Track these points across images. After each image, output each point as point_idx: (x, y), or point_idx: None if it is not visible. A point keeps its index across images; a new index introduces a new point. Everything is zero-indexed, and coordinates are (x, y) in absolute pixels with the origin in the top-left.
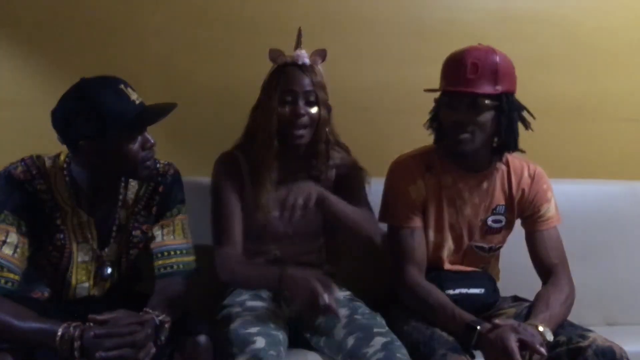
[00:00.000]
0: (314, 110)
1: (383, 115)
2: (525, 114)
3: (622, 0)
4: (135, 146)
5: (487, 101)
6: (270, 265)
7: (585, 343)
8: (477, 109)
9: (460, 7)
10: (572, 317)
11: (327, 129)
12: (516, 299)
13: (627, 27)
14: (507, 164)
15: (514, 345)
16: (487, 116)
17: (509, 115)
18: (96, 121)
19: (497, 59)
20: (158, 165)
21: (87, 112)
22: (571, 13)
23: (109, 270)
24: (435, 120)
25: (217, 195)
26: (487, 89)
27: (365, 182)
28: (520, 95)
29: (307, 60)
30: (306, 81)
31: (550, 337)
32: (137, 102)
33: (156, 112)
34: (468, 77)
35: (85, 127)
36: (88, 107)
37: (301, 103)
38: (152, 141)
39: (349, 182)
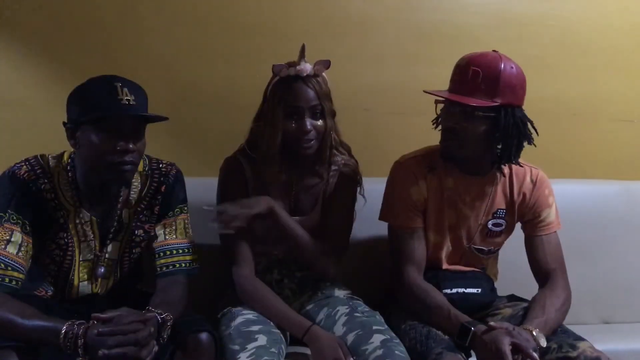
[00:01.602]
0: (320, 122)
1: (383, 116)
2: (529, 128)
3: (619, 3)
4: (107, 143)
5: (480, 113)
6: (296, 313)
7: (574, 354)
8: (468, 118)
9: (459, 10)
10: (569, 316)
11: (332, 134)
12: (513, 298)
13: (623, 30)
14: (510, 168)
15: (507, 348)
16: (479, 127)
17: (504, 130)
18: (79, 106)
19: (502, 69)
20: (160, 166)
21: (76, 97)
22: (568, 15)
23: (102, 270)
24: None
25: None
26: (482, 100)
27: (358, 194)
28: None
29: (311, 72)
30: (311, 95)
31: (543, 342)
32: (125, 102)
33: (130, 116)
34: (467, 85)
35: (71, 111)
36: (79, 92)
37: (307, 119)
38: (130, 147)
39: (337, 198)
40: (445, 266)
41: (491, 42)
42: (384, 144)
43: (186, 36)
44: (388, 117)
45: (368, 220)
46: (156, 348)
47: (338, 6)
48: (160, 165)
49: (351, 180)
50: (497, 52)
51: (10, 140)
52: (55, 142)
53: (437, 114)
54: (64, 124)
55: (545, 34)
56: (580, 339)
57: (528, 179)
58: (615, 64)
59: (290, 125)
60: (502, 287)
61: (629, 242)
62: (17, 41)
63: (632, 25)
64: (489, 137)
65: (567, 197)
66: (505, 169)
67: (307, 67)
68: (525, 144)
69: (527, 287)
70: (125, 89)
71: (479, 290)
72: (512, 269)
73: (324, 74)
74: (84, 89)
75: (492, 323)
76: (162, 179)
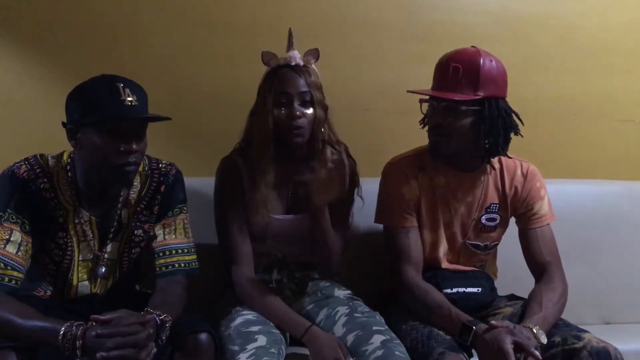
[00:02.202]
0: (310, 110)
1: (382, 115)
2: (514, 119)
3: (619, 2)
4: (110, 145)
5: (464, 107)
6: (295, 313)
7: (580, 344)
8: (454, 114)
9: (458, 9)
10: (569, 316)
11: (323, 129)
12: (513, 297)
13: (624, 29)
14: (500, 163)
15: (509, 347)
16: (465, 121)
17: (489, 122)
18: (80, 107)
19: (481, 63)
20: (160, 165)
21: (77, 97)
22: (569, 15)
23: (103, 269)
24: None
25: (221, 207)
26: (465, 94)
27: (356, 195)
28: (517, 96)
29: (300, 61)
30: (300, 82)
31: (544, 339)
32: (128, 103)
33: (135, 117)
34: (449, 81)
35: (72, 112)
36: (79, 92)
37: (296, 105)
38: (134, 147)
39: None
40: (444, 265)
41: (491, 42)
42: (384, 144)
43: (186, 36)
44: (388, 117)
45: (368, 219)
46: (155, 350)
47: (338, 6)
48: (160, 165)
49: (350, 180)
50: (475, 47)
51: (9, 139)
52: (54, 142)
53: (422, 113)
54: (64, 124)
55: (545, 34)
56: (584, 330)
57: (519, 172)
58: (616, 64)
59: (280, 113)
60: (502, 287)
61: (630, 242)
62: (17, 41)
63: (632, 25)
64: (475, 131)
65: (568, 197)
66: (496, 163)
67: (295, 55)
68: (512, 135)
69: (527, 286)
70: (127, 90)
71: (479, 289)
72: (512, 269)
73: (314, 66)
74: (84, 89)
75: (493, 322)
76: (161, 178)
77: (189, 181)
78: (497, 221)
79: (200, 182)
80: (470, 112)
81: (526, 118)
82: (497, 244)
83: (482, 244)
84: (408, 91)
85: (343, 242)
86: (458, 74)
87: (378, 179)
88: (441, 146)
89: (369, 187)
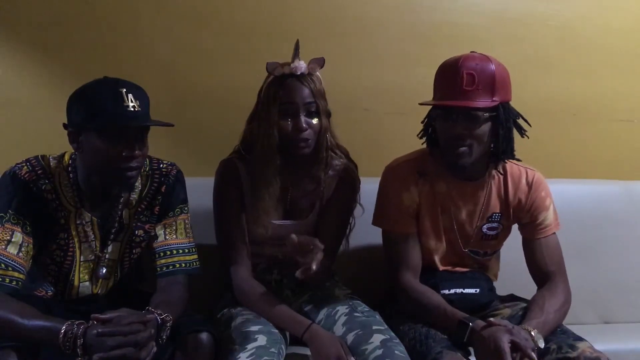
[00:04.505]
0: (315, 121)
1: (383, 116)
2: (520, 121)
3: (618, 3)
4: (113, 150)
5: (485, 114)
6: (295, 312)
7: (574, 354)
8: (474, 122)
9: (457, 10)
10: (569, 316)
11: (328, 135)
12: (512, 298)
13: (623, 30)
14: (505, 170)
15: (506, 345)
16: (484, 128)
17: (506, 125)
18: (83, 111)
19: (493, 68)
20: (161, 166)
21: (79, 101)
22: (567, 15)
23: (104, 270)
24: (430, 130)
25: (220, 209)
26: (484, 101)
27: (356, 203)
28: (516, 97)
29: (305, 71)
30: (306, 92)
31: (541, 343)
32: (131, 109)
33: (140, 124)
34: (464, 89)
35: (75, 115)
36: (82, 96)
37: (302, 116)
38: (136, 152)
39: (333, 208)
40: (441, 269)
41: (491, 42)
42: (384, 144)
43: (186, 36)
44: (388, 117)
45: (368, 220)
46: (155, 349)
47: (337, 6)
48: (161, 166)
49: (351, 189)
50: (475, 52)
51: (10, 140)
52: (55, 143)
53: (422, 124)
54: (65, 126)
55: (545, 34)
56: (580, 339)
57: (524, 181)
58: (615, 64)
59: (286, 124)
60: (502, 287)
61: (629, 242)
62: (17, 41)
63: (632, 25)
64: (491, 136)
65: (567, 197)
66: (500, 170)
67: (301, 65)
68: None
69: (527, 286)
70: (130, 95)
71: (477, 290)
72: (512, 269)
73: (318, 73)
74: (87, 93)
75: (491, 319)
76: (162, 179)
77: (190, 181)
78: (499, 230)
79: (201, 182)
80: (488, 118)
81: (526, 118)
82: (498, 250)
83: (481, 251)
84: (420, 103)
85: (333, 256)
86: (474, 81)
87: (378, 179)
88: (465, 157)
89: (369, 187)
